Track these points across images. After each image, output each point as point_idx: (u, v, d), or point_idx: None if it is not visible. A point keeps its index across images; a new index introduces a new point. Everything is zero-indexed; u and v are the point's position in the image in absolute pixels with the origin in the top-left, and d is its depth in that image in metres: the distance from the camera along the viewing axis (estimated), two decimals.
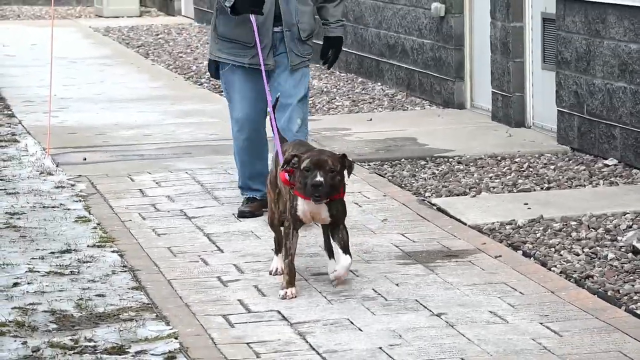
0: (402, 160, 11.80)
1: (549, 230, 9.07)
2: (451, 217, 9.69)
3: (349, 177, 7.77)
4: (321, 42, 9.66)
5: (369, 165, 11.60)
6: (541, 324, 7.17)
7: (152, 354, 6.90)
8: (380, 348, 6.90)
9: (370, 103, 15.15)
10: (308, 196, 7.56)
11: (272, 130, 8.38)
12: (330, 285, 7.90)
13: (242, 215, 9.60)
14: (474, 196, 10.24)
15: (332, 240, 7.80)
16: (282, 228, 8.07)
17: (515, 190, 10.49)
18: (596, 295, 7.65)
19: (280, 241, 8.08)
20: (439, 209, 9.93)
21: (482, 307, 7.41)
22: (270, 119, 8.45)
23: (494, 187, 10.57)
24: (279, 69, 9.42)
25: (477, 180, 10.80)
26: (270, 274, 8.18)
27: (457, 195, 10.28)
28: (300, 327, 7.31)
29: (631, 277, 7.94)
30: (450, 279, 8.11)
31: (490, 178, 10.90)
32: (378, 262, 7.88)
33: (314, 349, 6.95)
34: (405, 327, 7.18)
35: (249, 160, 9.73)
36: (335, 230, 7.76)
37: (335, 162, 7.57)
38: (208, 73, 10.12)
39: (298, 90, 9.47)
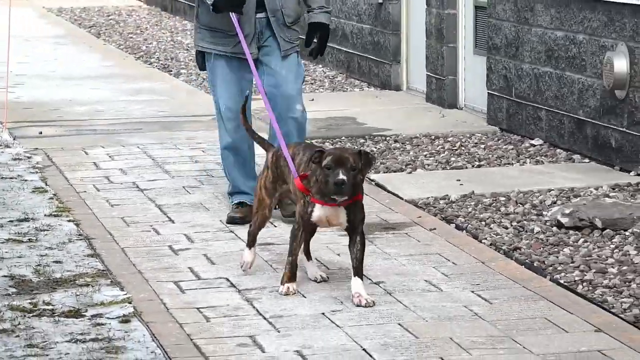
0: (342, 138, 11.82)
1: (480, 205, 9.15)
2: (389, 192, 9.75)
3: (366, 174, 7.17)
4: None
5: (312, 142, 11.63)
6: (473, 292, 7.25)
7: (107, 318, 6.90)
8: (323, 314, 6.95)
9: (312, 84, 15.17)
10: (330, 195, 6.84)
11: (277, 134, 7.50)
12: (277, 254, 7.93)
13: (232, 221, 8.69)
14: (410, 173, 10.31)
15: (349, 252, 7.08)
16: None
17: (448, 168, 10.55)
18: (523, 266, 7.74)
19: (255, 235, 7.50)
20: (377, 185, 9.97)
21: (418, 277, 7.48)
22: (272, 122, 7.86)
23: (428, 165, 10.64)
24: (269, 55, 8.66)
25: (412, 158, 10.86)
26: (241, 267, 7.60)
27: (394, 171, 10.35)
28: (247, 293, 7.34)
29: (555, 249, 8.03)
30: (388, 250, 8.17)
31: (425, 156, 10.96)
32: (320, 234, 7.93)
33: (260, 314, 6.99)
34: (346, 295, 7.21)
35: (236, 159, 8.84)
36: (353, 238, 7.03)
37: (356, 160, 6.82)
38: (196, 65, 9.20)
39: (293, 75, 8.71)
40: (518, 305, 7.03)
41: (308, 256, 7.47)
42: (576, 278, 7.46)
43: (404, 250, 8.16)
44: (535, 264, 7.75)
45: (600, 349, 6.36)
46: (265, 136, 8.40)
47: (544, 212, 8.89)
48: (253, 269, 7.66)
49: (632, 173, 9.87)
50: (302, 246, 7.31)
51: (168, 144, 11.71)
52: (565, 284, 7.36)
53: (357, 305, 6.94)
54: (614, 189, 9.45)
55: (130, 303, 7.16)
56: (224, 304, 7.18)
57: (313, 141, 11.60)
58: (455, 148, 11.27)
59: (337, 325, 6.77)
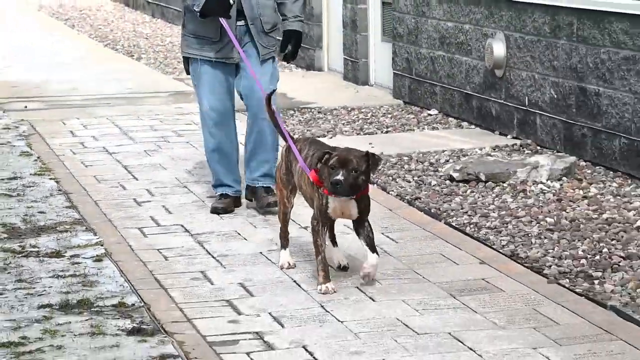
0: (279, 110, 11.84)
1: (388, 163, 9.16)
2: None
3: (373, 174, 6.56)
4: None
5: (317, 138, 11.65)
6: (382, 234, 7.29)
7: (83, 257, 6.90)
8: (261, 252, 7.01)
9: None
10: (330, 193, 6.16)
11: (281, 127, 6.73)
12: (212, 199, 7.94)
13: (215, 211, 7.84)
14: (331, 138, 10.30)
15: (358, 236, 6.36)
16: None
17: (362, 133, 10.54)
18: (423, 212, 7.78)
19: (285, 236, 6.68)
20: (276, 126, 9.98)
21: (338, 221, 7.50)
22: (276, 117, 6.85)
23: (346, 131, 10.64)
24: (247, 60, 7.60)
25: (333, 126, 10.86)
26: (282, 268, 6.63)
27: (318, 137, 10.36)
28: (199, 237, 7.35)
29: (448, 199, 8.08)
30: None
31: (343, 124, 10.95)
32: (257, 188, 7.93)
33: (209, 253, 7.00)
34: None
35: (221, 157, 7.90)
36: (361, 225, 6.33)
37: (360, 162, 6.11)
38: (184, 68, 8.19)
39: (268, 79, 7.78)
40: (419, 243, 7.09)
41: (333, 242, 6.67)
42: (465, 221, 7.53)
43: None
44: (432, 210, 7.81)
45: (483, 277, 6.43)
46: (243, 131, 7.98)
47: (439, 169, 8.93)
48: (203, 217, 7.69)
49: (508, 136, 9.96)
50: (328, 232, 6.51)
51: (132, 115, 11.63)
52: (456, 226, 7.43)
53: (363, 277, 6.28)
54: (494, 149, 9.51)
55: (102, 245, 7.15)
56: (179, 245, 7.20)
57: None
58: (367, 117, 11.26)
59: (273, 262, 6.80)
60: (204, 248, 7.13)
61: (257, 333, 5.68)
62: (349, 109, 11.77)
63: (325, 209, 6.20)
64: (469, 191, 8.28)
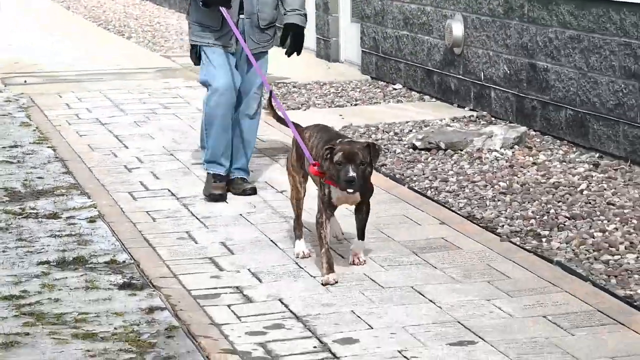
0: None
1: (356, 133, 9.14)
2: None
3: (374, 164, 5.83)
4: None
5: (325, 87, 11.62)
6: None
7: (78, 219, 6.89)
8: (241, 214, 7.00)
9: None
10: (342, 190, 5.60)
11: (284, 117, 6.33)
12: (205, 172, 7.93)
13: (214, 199, 7.20)
14: (305, 110, 10.31)
15: (355, 217, 5.90)
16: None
17: (333, 106, 10.54)
18: (388, 177, 7.81)
19: (300, 226, 6.11)
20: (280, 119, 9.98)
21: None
22: (280, 108, 6.45)
23: (318, 104, 10.62)
24: (241, 53, 7.23)
25: (306, 99, 10.84)
26: (298, 257, 6.07)
27: (294, 109, 10.33)
28: (184, 200, 7.33)
29: (411, 165, 8.09)
30: (283, 163, 8.17)
31: (316, 97, 10.93)
32: None
33: (194, 215, 7.00)
34: (258, 200, 7.28)
35: (222, 133, 7.28)
36: (359, 208, 5.86)
37: (364, 154, 5.56)
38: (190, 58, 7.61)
39: (256, 76, 7.28)
40: (384, 206, 7.08)
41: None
42: (426, 186, 7.54)
43: None
44: (396, 176, 7.81)
45: (443, 236, 6.45)
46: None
47: (403, 138, 8.94)
48: (189, 181, 7.67)
49: (466, 108, 9.97)
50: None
51: (122, 89, 11.56)
52: (418, 190, 7.44)
53: (351, 264, 5.92)
54: (453, 120, 9.52)
55: (95, 208, 7.13)
56: (166, 208, 7.18)
57: None
58: (338, 92, 11.24)
59: (252, 223, 6.80)
60: (189, 210, 7.11)
61: (237, 287, 5.68)
62: (321, 83, 11.72)
63: (329, 199, 5.69)
64: (430, 158, 8.29)
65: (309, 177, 6.01)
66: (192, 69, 12.66)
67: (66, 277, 5.84)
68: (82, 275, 5.86)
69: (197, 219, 6.92)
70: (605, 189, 7.24)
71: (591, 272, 5.74)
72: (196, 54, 7.38)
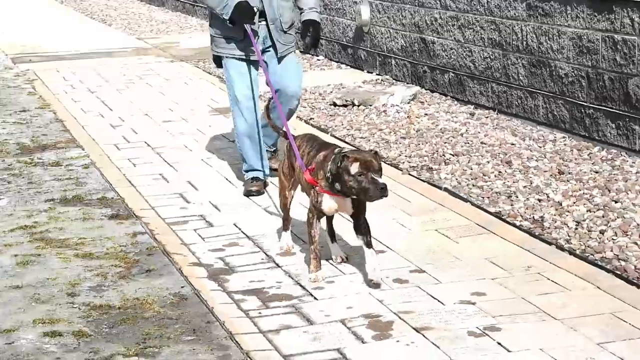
0: (208, 59, 11.61)
1: None
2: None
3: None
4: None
5: (191, 61, 11.47)
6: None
7: (76, 166, 6.78)
8: (202, 159, 6.91)
9: (189, 29, 14.90)
10: (374, 199, 4.33)
11: (283, 122, 5.39)
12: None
13: (248, 194, 6.05)
14: None
15: (355, 234, 4.56)
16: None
17: None
18: (315, 128, 7.78)
19: (288, 221, 5.07)
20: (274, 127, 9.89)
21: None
22: (280, 116, 5.57)
23: (260, 73, 10.54)
24: (270, 59, 6.10)
25: None
26: (283, 250, 5.01)
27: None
28: (157, 149, 7.22)
29: (333, 118, 8.06)
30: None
31: None
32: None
33: (165, 161, 6.89)
34: (218, 147, 7.20)
35: (252, 143, 6.15)
36: (358, 222, 4.54)
37: (377, 160, 4.40)
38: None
39: (290, 77, 6.13)
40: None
41: (332, 238, 4.90)
42: (344, 134, 7.51)
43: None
44: (321, 127, 7.79)
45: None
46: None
47: (326, 97, 8.91)
48: (159, 131, 7.58)
49: (373, 74, 9.96)
50: (327, 229, 4.89)
51: (107, 65, 11.34)
52: (338, 137, 7.42)
53: (371, 283, 4.46)
54: (363, 82, 9.50)
55: (88, 157, 7.03)
56: (143, 155, 7.09)
57: (192, 61, 11.43)
58: None
59: (211, 166, 6.73)
60: (161, 157, 7.03)
61: (201, 215, 5.66)
62: None
63: (320, 206, 4.56)
64: (347, 112, 8.27)
65: (299, 185, 4.92)
66: (161, 47, 12.51)
67: (68, 211, 5.77)
68: (80, 209, 5.80)
69: (168, 163, 6.85)
70: (479, 132, 7.29)
71: (470, 195, 5.80)
72: (219, 60, 6.21)
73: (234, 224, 5.46)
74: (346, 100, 8.52)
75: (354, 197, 4.36)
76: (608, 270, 4.47)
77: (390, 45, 9.60)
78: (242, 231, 5.34)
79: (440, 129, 7.45)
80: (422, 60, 9.03)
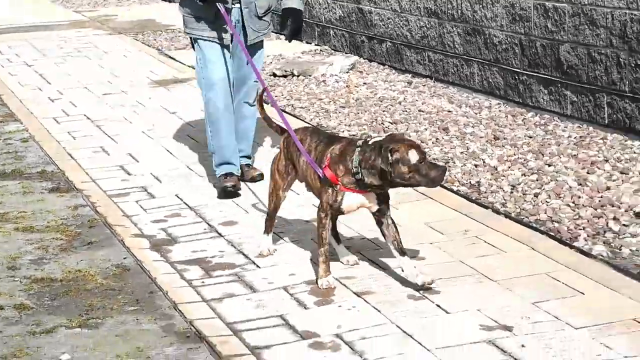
0: (147, 31, 11.54)
1: None
2: (180, 62, 9.61)
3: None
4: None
5: (130, 34, 11.33)
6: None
7: (14, 140, 6.70)
8: (143, 131, 6.82)
9: (127, 2, 14.65)
10: (437, 183, 3.86)
11: (279, 114, 4.52)
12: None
13: (225, 191, 5.32)
14: (188, 49, 10.13)
15: (383, 235, 4.03)
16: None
17: None
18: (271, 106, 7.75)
19: (272, 223, 4.47)
20: (166, 55, 9.82)
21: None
22: (276, 108, 4.66)
23: None
24: (244, 48, 5.26)
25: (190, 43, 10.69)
26: (264, 255, 4.45)
27: (179, 49, 10.14)
28: (97, 122, 7.11)
29: (273, 88, 8.01)
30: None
31: None
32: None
33: (105, 133, 6.82)
34: (156, 120, 7.13)
35: (228, 129, 5.42)
36: (386, 220, 4.02)
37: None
38: None
39: (258, 64, 5.45)
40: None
41: (337, 239, 4.38)
42: (284, 104, 7.49)
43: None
44: (264, 97, 7.74)
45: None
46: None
47: (266, 68, 8.84)
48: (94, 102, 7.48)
49: (312, 44, 9.93)
50: (330, 231, 4.23)
51: (44, 38, 11.16)
52: (279, 107, 7.39)
53: (422, 285, 3.95)
54: (303, 53, 9.48)
55: (27, 131, 6.93)
56: (83, 128, 6.99)
57: (131, 34, 11.28)
58: None
59: (152, 138, 6.66)
60: (102, 130, 6.94)
61: (142, 187, 5.60)
62: None
63: (339, 205, 4.00)
64: (287, 83, 8.25)
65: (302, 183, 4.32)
66: (99, 20, 12.31)
67: (7, 185, 5.68)
68: (19, 183, 5.71)
69: (108, 136, 6.76)
70: (417, 100, 7.33)
71: None
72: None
73: (176, 195, 5.42)
74: (286, 71, 8.48)
75: (404, 187, 3.89)
76: (542, 232, 4.53)
77: (329, 15, 9.57)
78: (184, 202, 5.30)
79: (379, 98, 7.47)
80: (359, 30, 9.02)
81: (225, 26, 5.28)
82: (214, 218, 5.01)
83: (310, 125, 4.40)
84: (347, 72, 8.44)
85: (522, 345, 3.43)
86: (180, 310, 3.86)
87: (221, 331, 3.66)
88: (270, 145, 6.23)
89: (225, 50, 5.35)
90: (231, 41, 5.32)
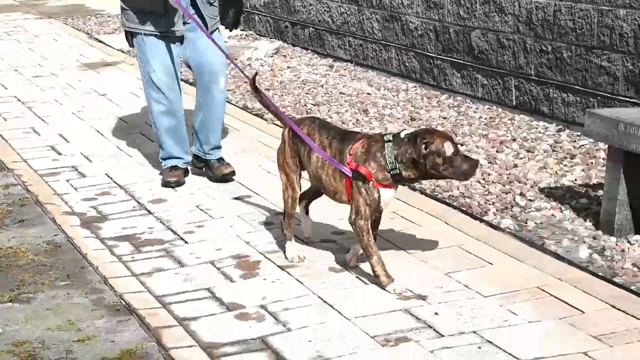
0: (77, 15, 11.29)
1: None
2: (106, 44, 9.46)
3: None
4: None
5: (60, 18, 11.07)
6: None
7: None
8: (73, 113, 6.70)
9: None
10: (470, 176, 3.62)
11: (276, 111, 4.03)
12: None
13: (166, 185, 5.07)
14: (118, 34, 9.97)
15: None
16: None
17: None
18: (184, 82, 7.66)
19: (290, 225, 3.99)
20: (95, 39, 9.65)
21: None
22: (268, 100, 4.10)
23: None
24: (194, 31, 4.92)
25: (120, 26, 10.49)
26: (293, 261, 3.98)
27: (109, 33, 9.98)
28: (28, 103, 6.98)
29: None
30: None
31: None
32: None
33: (36, 115, 6.70)
34: (86, 101, 7.01)
35: (172, 127, 5.07)
36: (378, 221, 3.82)
37: None
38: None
39: (219, 54, 4.90)
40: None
41: (307, 210, 4.12)
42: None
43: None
44: (190, 81, 7.65)
45: (225, 123, 6.41)
46: (191, 106, 5.32)
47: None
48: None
49: (239, 29, 9.87)
50: (305, 201, 4.08)
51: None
52: None
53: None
54: (229, 38, 9.36)
55: None
56: (15, 110, 6.81)
57: (61, 17, 11.04)
58: None
59: (82, 120, 6.55)
60: (32, 112, 6.80)
61: (73, 167, 5.51)
62: None
63: (378, 203, 3.66)
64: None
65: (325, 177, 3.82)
66: (28, 4, 12.01)
67: None
68: None
69: (39, 117, 6.62)
70: (338, 83, 7.35)
71: None
72: (131, 38, 5.02)
73: (106, 174, 5.35)
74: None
75: (437, 178, 3.65)
76: (455, 207, 4.61)
77: (254, 1, 9.51)
78: (113, 181, 5.23)
79: (302, 81, 7.47)
80: (283, 16, 8.99)
81: (174, 16, 4.83)
82: (143, 196, 4.96)
83: (316, 117, 3.95)
84: (271, 57, 8.42)
85: (436, 313, 3.49)
86: (110, 285, 3.82)
87: (150, 304, 3.64)
88: (251, 137, 5.87)
89: (172, 44, 4.91)
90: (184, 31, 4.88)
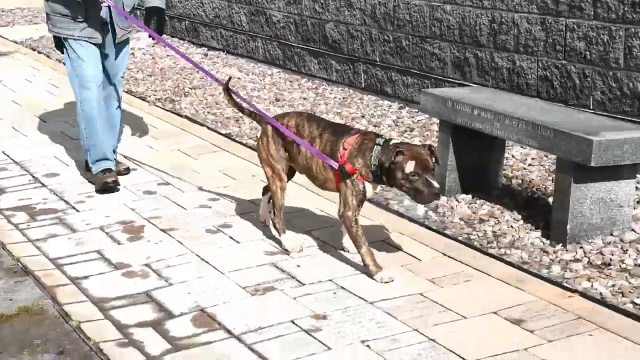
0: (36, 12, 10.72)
1: None
2: (1, 36, 8.99)
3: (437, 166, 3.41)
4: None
5: (24, 10, 10.49)
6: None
7: None
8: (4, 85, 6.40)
9: None
10: (427, 201, 3.27)
11: (258, 110, 3.70)
12: None
13: (106, 188, 4.45)
14: (12, 27, 9.47)
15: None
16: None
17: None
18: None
19: (280, 218, 3.66)
20: (238, 106, 9.17)
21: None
22: (244, 101, 3.81)
23: (20, 22, 9.80)
24: (106, 42, 4.52)
25: (12, 19, 9.98)
26: (294, 251, 3.61)
27: (3, 26, 9.47)
28: None
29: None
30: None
31: (19, 18, 10.08)
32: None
33: (13, 99, 6.34)
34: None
35: (102, 131, 4.53)
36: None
37: (431, 158, 3.29)
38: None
39: (122, 64, 4.64)
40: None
41: (269, 199, 3.83)
42: None
43: None
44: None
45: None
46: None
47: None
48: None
49: None
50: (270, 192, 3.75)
51: None
52: None
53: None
54: None
55: None
56: None
57: (25, 16, 10.39)
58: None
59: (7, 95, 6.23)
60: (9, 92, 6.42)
61: None
62: None
63: (363, 194, 3.39)
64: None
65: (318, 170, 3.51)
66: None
67: None
68: None
69: (16, 102, 6.26)
70: (212, 69, 7.27)
71: (206, 120, 5.79)
72: (58, 42, 4.55)
73: (2, 152, 5.10)
74: (210, 48, 8.15)
75: (402, 191, 3.30)
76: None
77: None
78: (10, 157, 5.00)
79: (180, 68, 7.34)
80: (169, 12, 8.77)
81: (96, 25, 4.42)
82: (38, 171, 4.77)
83: (303, 112, 3.67)
84: (152, 47, 8.22)
85: (298, 265, 3.53)
86: (8, 250, 3.67)
87: (45, 266, 3.52)
88: (137, 136, 5.42)
89: (96, 49, 4.48)
90: (103, 39, 4.48)
